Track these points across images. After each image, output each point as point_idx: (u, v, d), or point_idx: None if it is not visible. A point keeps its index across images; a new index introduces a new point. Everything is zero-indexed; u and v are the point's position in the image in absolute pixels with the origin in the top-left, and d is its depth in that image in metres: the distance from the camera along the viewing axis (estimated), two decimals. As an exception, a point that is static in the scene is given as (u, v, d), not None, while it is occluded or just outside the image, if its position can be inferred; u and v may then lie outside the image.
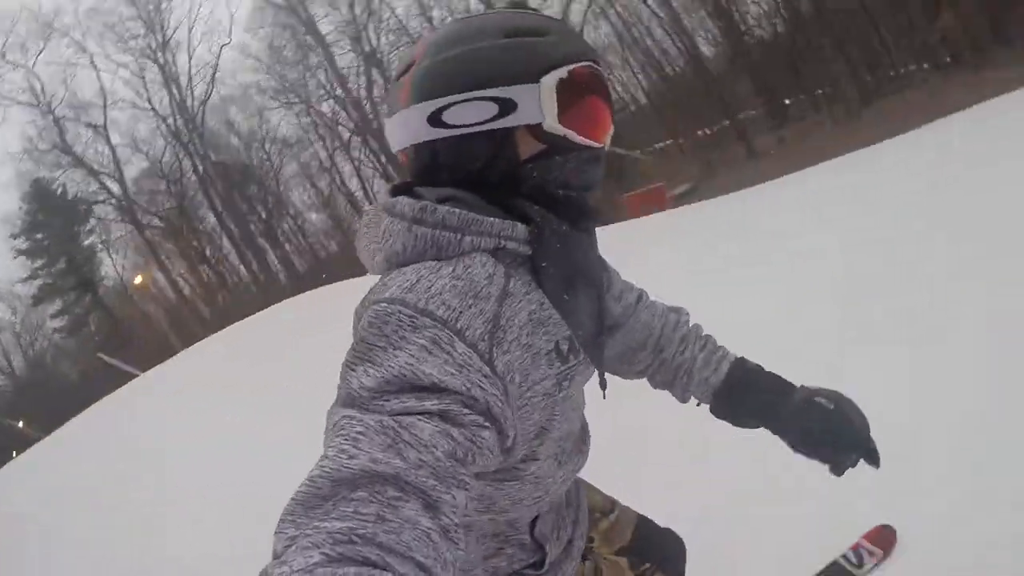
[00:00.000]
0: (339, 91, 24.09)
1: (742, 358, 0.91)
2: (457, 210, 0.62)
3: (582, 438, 0.79)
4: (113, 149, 24.11)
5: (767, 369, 0.89)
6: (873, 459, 0.80)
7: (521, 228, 0.63)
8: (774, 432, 0.86)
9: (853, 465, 0.80)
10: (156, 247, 25.15)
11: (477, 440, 0.53)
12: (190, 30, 23.41)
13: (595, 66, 0.67)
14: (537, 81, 0.63)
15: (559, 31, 0.66)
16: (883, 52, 18.51)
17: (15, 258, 24.76)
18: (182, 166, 24.54)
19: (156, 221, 25.19)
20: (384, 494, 0.45)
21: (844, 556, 1.67)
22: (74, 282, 25.22)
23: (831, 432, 0.81)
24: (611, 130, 0.70)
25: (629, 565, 0.96)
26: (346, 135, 24.29)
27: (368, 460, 0.46)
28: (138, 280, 24.89)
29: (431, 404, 0.51)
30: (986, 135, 4.91)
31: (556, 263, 0.66)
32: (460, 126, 0.63)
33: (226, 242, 25.61)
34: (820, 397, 0.83)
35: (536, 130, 0.64)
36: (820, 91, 19.43)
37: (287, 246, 26.41)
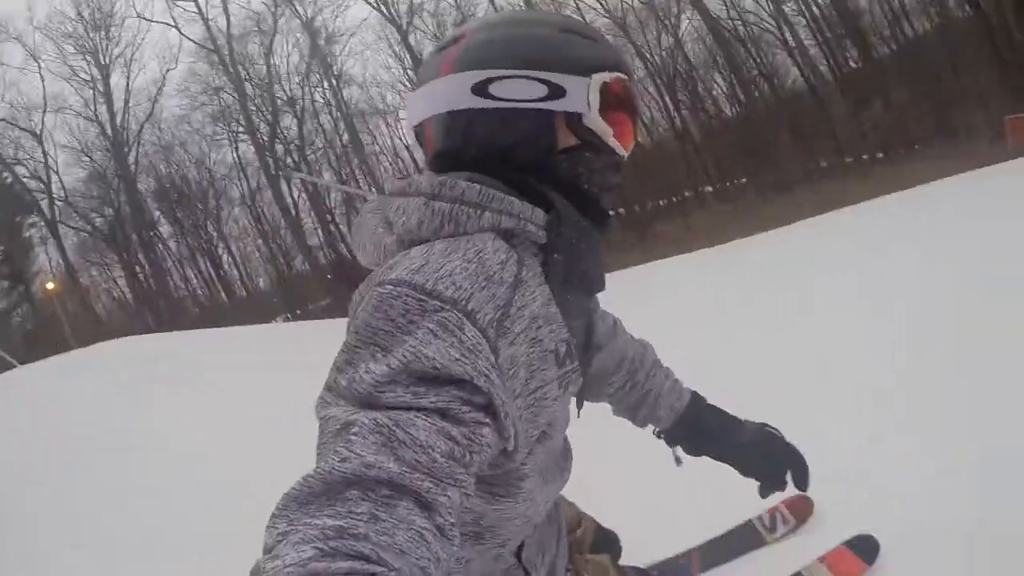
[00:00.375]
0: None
1: (695, 391, 0.97)
2: (478, 185, 0.61)
3: (564, 455, 0.77)
4: (45, 153, 24.34)
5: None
6: (805, 482, 0.90)
7: (540, 213, 0.63)
8: (726, 457, 0.93)
9: (773, 486, 0.90)
10: (88, 251, 25.32)
11: (476, 438, 0.52)
12: (135, 50, 23.86)
13: (629, 81, 0.70)
14: (588, 76, 0.66)
15: (606, 43, 0.71)
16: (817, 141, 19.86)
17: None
18: (118, 177, 24.25)
19: (88, 226, 24.83)
20: (377, 492, 0.45)
21: (759, 518, 1.77)
22: (7, 272, 25.13)
23: (787, 456, 0.90)
24: (633, 143, 0.72)
25: (611, 561, 0.99)
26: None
27: (360, 464, 0.45)
28: (50, 285, 23.98)
29: (430, 401, 0.50)
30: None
31: (567, 258, 0.65)
32: (506, 99, 0.64)
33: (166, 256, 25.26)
34: (768, 427, 0.93)
35: (574, 123, 0.66)
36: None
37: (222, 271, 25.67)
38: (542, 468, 0.69)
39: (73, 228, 25.30)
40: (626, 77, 0.70)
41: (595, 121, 0.66)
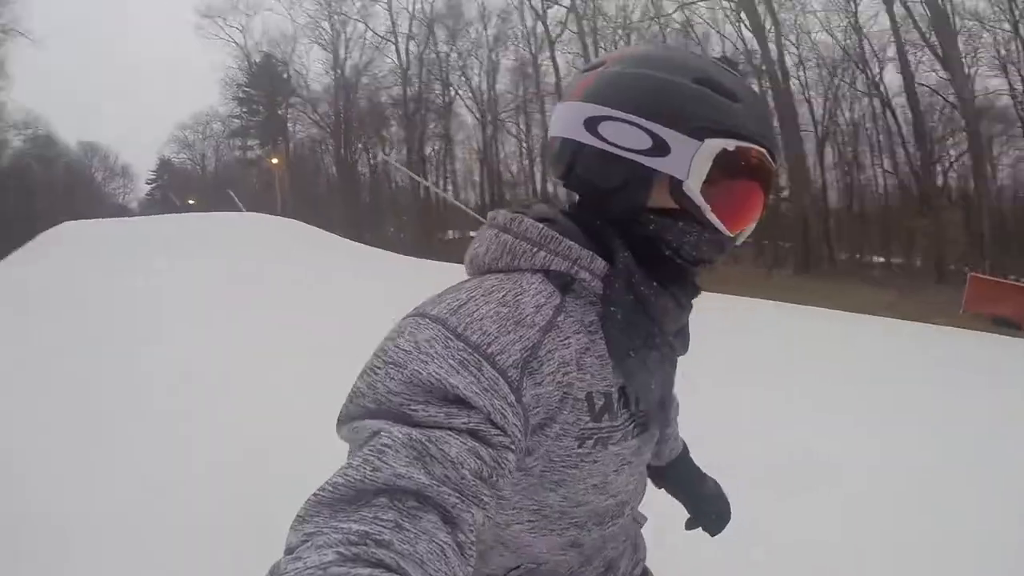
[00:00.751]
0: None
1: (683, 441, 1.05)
2: (541, 226, 0.62)
3: (607, 519, 0.70)
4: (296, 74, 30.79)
5: None
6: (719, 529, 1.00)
7: (601, 264, 0.62)
8: (685, 500, 1.02)
9: (716, 532, 1.00)
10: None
11: (503, 462, 0.52)
12: None
13: (766, 155, 0.64)
14: (701, 139, 0.60)
15: (750, 104, 0.64)
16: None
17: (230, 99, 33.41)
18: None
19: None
20: (404, 503, 0.45)
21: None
22: (260, 135, 33.32)
23: (726, 508, 1.02)
24: (751, 225, 0.67)
25: None
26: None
27: (392, 474, 0.46)
28: (274, 160, 30.63)
29: (461, 421, 0.51)
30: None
31: (629, 315, 0.62)
32: (608, 142, 0.62)
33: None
34: (714, 483, 1.04)
35: (675, 186, 0.61)
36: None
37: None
38: (543, 510, 0.65)
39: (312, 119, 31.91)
40: (762, 150, 0.63)
41: (692, 192, 0.61)
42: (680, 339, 0.70)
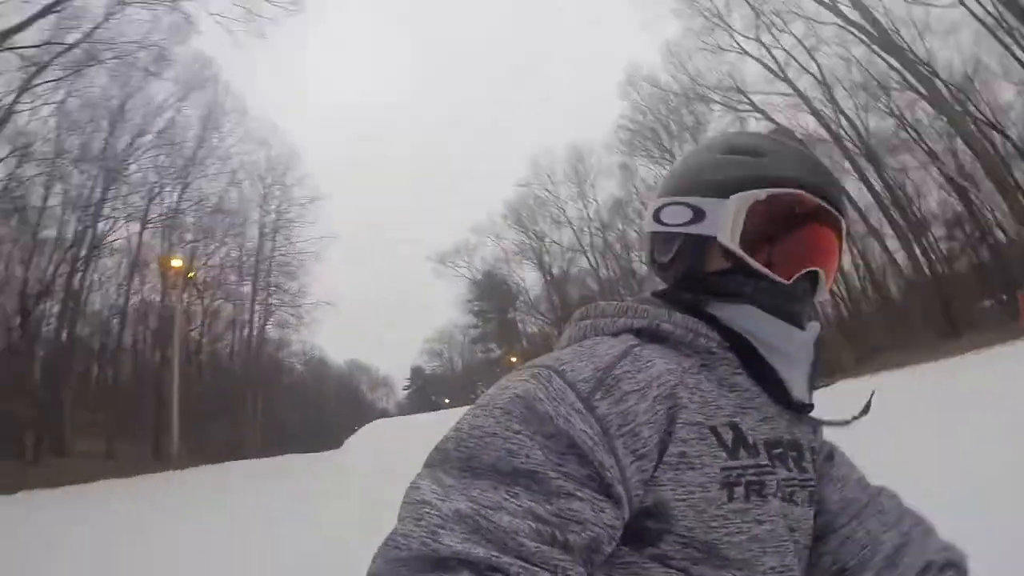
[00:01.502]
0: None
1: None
2: (616, 302, 0.67)
3: None
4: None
5: None
6: None
7: (679, 316, 0.65)
8: None
9: None
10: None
11: (566, 513, 0.50)
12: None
13: (806, 195, 0.66)
14: (727, 197, 0.65)
15: (779, 153, 0.68)
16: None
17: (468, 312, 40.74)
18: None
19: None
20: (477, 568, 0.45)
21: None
22: (494, 341, 40.34)
23: None
24: (810, 266, 0.66)
25: None
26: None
27: (450, 553, 0.46)
28: (513, 359, 34.86)
29: (514, 490, 0.50)
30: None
31: (744, 357, 0.64)
32: (664, 223, 0.69)
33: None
34: None
35: (723, 246, 0.65)
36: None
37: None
38: None
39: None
40: (798, 191, 0.65)
41: (727, 243, 0.65)
42: (802, 391, 0.67)
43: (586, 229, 33.38)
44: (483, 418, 0.55)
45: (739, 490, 0.58)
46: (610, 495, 0.53)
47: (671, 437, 0.57)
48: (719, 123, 24.30)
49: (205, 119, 23.44)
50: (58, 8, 16.41)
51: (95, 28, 17.50)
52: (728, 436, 0.59)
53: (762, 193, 0.65)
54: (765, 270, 0.65)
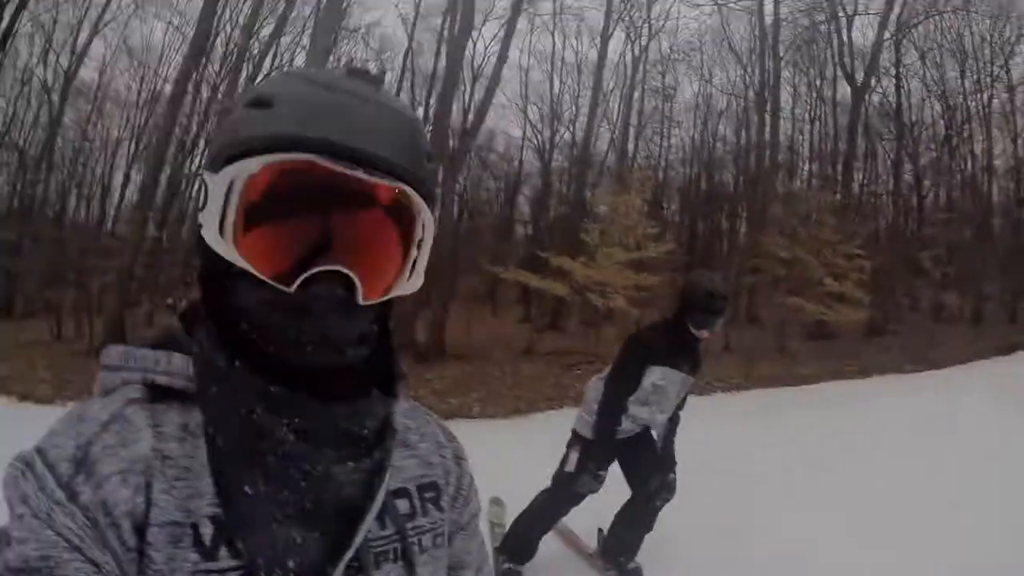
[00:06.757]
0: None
1: None
2: (118, 346, 0.55)
3: None
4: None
5: None
6: None
7: (178, 360, 0.52)
8: None
9: None
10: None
11: None
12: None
13: (321, 161, 0.48)
14: (217, 171, 0.50)
15: (296, 101, 0.50)
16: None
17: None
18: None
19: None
20: None
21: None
22: None
23: None
24: (322, 265, 0.49)
25: None
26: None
27: None
28: None
29: (21, 557, 0.44)
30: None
31: (224, 404, 0.50)
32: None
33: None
34: None
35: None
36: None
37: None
38: None
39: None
40: (305, 157, 0.48)
41: (208, 235, 0.50)
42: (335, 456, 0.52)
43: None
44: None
45: None
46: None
47: (149, 535, 0.47)
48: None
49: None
50: None
51: None
52: (207, 532, 0.48)
53: (254, 163, 0.48)
54: (251, 266, 0.49)
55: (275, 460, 0.50)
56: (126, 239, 10.86)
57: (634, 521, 2.94)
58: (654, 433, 2.91)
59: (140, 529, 0.47)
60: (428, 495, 0.62)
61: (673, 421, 2.93)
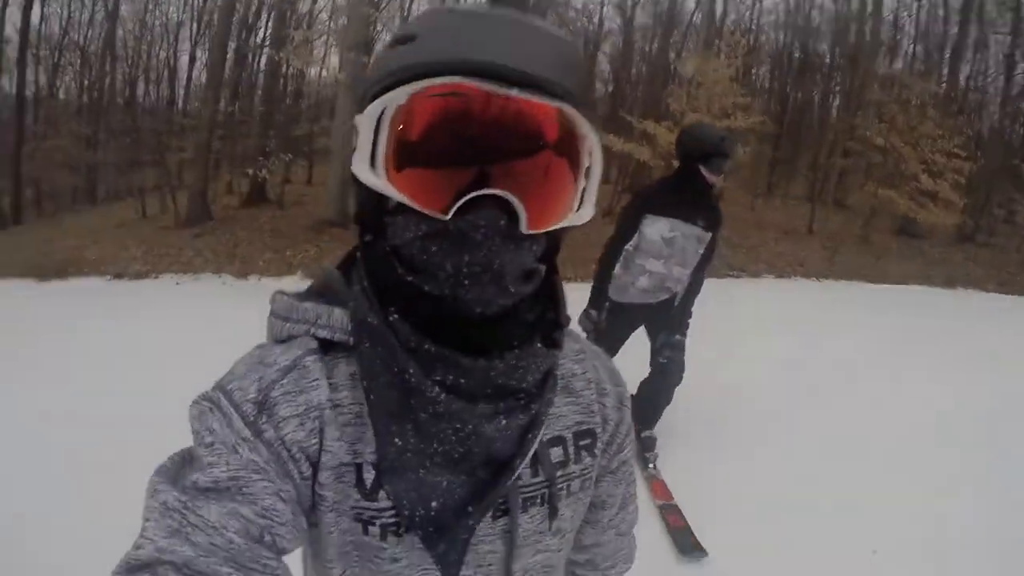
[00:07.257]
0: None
1: None
2: (287, 296, 0.57)
3: None
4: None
5: None
6: None
7: (338, 314, 0.54)
8: None
9: None
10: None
11: (270, 514, 0.48)
12: None
13: (467, 82, 0.45)
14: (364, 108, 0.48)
15: (436, 31, 0.48)
16: None
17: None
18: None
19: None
20: None
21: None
22: None
23: None
24: (477, 189, 0.47)
25: None
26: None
27: (154, 549, 0.43)
28: None
29: (211, 477, 0.48)
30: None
31: (378, 361, 0.51)
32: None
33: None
34: None
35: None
36: None
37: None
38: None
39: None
40: (452, 81, 0.45)
41: (360, 172, 0.49)
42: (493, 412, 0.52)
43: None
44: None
45: (375, 529, 0.54)
46: (292, 499, 0.50)
47: (323, 477, 0.53)
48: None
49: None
50: None
51: None
52: (368, 477, 0.53)
53: (401, 94, 0.47)
54: (410, 199, 0.48)
55: (427, 417, 0.52)
56: (199, 116, 11.20)
57: (649, 388, 2.96)
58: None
59: (314, 468, 0.53)
60: (583, 442, 0.63)
61: (694, 282, 2.83)
